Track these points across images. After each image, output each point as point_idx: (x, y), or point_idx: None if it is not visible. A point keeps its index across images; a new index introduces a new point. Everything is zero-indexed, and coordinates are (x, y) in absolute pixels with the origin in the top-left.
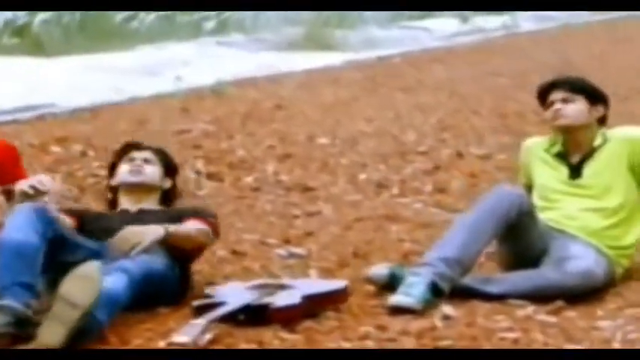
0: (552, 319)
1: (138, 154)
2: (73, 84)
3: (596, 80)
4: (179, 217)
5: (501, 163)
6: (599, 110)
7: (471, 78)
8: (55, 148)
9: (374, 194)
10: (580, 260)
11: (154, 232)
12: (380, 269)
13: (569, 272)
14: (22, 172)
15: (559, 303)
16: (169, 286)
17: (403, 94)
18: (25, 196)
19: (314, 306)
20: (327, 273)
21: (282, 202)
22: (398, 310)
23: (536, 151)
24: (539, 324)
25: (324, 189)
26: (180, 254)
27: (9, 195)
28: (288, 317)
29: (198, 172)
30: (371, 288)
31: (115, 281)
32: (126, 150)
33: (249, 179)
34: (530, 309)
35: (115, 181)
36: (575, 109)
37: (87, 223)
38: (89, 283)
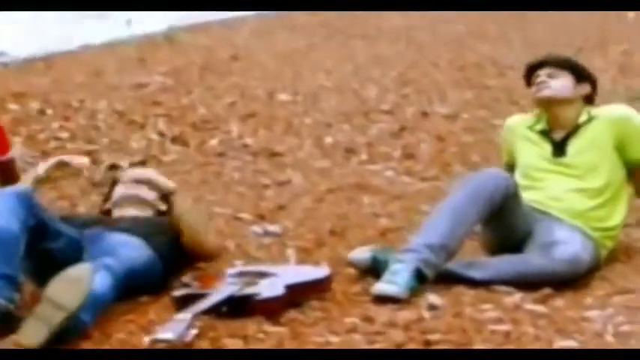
0: (541, 308)
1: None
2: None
3: None
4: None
5: (467, 123)
6: (585, 88)
7: (427, 26)
8: (13, 106)
9: (342, 159)
10: (567, 246)
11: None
12: (361, 253)
13: (556, 259)
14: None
15: (546, 290)
16: (151, 279)
17: (361, 42)
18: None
19: (297, 295)
20: (305, 253)
21: (251, 169)
22: (382, 299)
23: (520, 129)
24: (528, 314)
25: (290, 154)
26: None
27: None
28: (272, 309)
29: (161, 134)
30: (352, 271)
31: (99, 281)
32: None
33: (213, 142)
34: (517, 296)
35: (111, 205)
36: (559, 83)
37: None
38: (78, 286)
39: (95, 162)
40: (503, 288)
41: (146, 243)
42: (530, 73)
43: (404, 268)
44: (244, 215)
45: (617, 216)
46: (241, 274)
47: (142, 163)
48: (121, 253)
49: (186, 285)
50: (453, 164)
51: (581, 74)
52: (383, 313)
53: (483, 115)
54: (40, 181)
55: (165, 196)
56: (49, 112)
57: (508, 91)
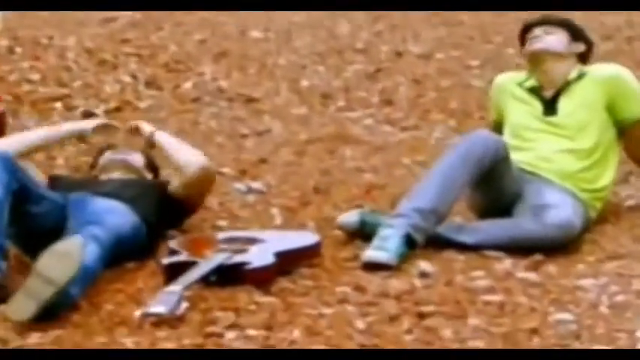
0: (533, 276)
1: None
2: None
3: None
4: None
5: (442, 64)
6: (579, 47)
7: None
8: None
9: (320, 106)
10: (558, 210)
11: None
12: (350, 217)
13: (548, 224)
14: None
15: (537, 256)
16: (138, 245)
17: None
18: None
19: (287, 263)
20: (290, 212)
21: (228, 117)
22: (373, 266)
23: (509, 86)
24: (520, 283)
25: (267, 100)
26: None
27: None
28: (263, 278)
29: (134, 77)
30: (340, 233)
31: (88, 253)
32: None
33: (187, 86)
34: (507, 263)
35: (98, 171)
36: (552, 38)
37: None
38: (69, 260)
39: (68, 108)
40: (494, 253)
41: (131, 207)
42: (526, 31)
43: (394, 234)
44: (226, 170)
45: (607, 177)
46: (230, 241)
47: (117, 110)
48: (107, 221)
49: (174, 252)
50: (432, 111)
51: (576, 33)
52: (374, 282)
53: (458, 55)
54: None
55: (152, 164)
56: (18, 50)
57: (482, 29)
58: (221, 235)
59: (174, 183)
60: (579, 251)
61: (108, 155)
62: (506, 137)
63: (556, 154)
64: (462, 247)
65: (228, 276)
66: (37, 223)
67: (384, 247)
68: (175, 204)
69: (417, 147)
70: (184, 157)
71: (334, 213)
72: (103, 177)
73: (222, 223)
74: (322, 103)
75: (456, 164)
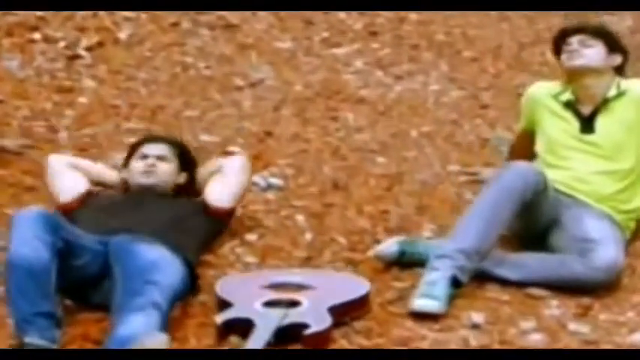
0: (586, 329)
1: (152, 150)
2: None
3: None
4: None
5: None
6: (616, 59)
7: None
8: None
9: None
10: (604, 249)
11: None
12: (389, 247)
13: (596, 267)
14: None
15: (585, 300)
16: (185, 294)
17: None
18: None
19: (341, 316)
20: (316, 221)
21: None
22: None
23: (544, 99)
24: (574, 338)
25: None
26: None
27: None
28: (322, 341)
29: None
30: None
31: (154, 323)
32: (141, 143)
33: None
34: (554, 306)
35: (126, 177)
36: (592, 52)
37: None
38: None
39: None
40: (538, 291)
41: (174, 250)
42: (561, 39)
43: (440, 278)
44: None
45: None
46: (277, 287)
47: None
48: (161, 282)
49: (224, 303)
50: (420, 47)
51: (613, 44)
52: (428, 338)
53: None
54: None
55: (186, 161)
56: None
57: None
58: (266, 279)
59: (216, 199)
60: (623, 288)
61: (138, 174)
62: (540, 150)
63: (592, 176)
64: (504, 281)
65: (286, 336)
66: (80, 274)
67: (432, 295)
68: (215, 222)
69: (417, 108)
70: (234, 179)
71: (361, 222)
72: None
73: (252, 237)
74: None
75: (498, 202)
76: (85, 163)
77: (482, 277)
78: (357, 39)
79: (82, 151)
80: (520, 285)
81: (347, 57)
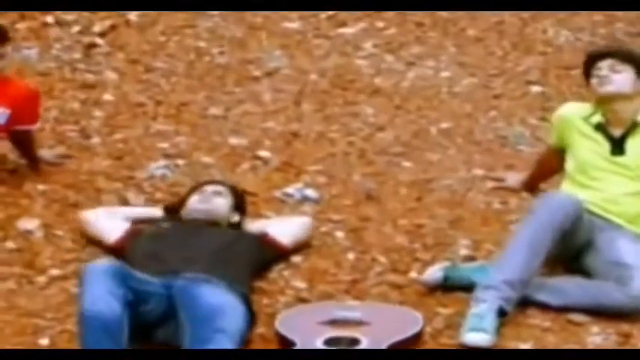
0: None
1: (210, 188)
2: None
3: None
4: (243, 238)
5: None
6: None
7: None
8: None
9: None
10: None
11: None
12: (434, 273)
13: (635, 296)
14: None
15: (624, 326)
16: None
17: None
18: None
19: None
20: (356, 237)
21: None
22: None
23: (575, 120)
24: None
25: None
26: None
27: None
28: None
29: None
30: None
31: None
32: (200, 185)
33: None
34: (595, 332)
35: (184, 213)
36: (622, 78)
37: (139, 239)
38: None
39: None
40: (578, 317)
41: (230, 283)
42: (591, 63)
43: (488, 310)
44: (264, 154)
45: None
46: (334, 324)
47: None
48: (228, 328)
49: (287, 342)
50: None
51: None
52: None
53: None
54: None
55: (239, 204)
56: None
57: None
58: (324, 314)
59: (279, 234)
60: None
61: (195, 202)
62: (570, 170)
63: (623, 197)
64: (544, 306)
65: None
66: (146, 318)
67: (482, 328)
68: (268, 254)
69: (431, 99)
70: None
71: (398, 238)
72: (188, 218)
73: (297, 259)
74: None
75: (539, 233)
76: (122, 210)
77: (523, 302)
78: (362, 17)
79: (117, 159)
80: (560, 310)
81: (355, 39)
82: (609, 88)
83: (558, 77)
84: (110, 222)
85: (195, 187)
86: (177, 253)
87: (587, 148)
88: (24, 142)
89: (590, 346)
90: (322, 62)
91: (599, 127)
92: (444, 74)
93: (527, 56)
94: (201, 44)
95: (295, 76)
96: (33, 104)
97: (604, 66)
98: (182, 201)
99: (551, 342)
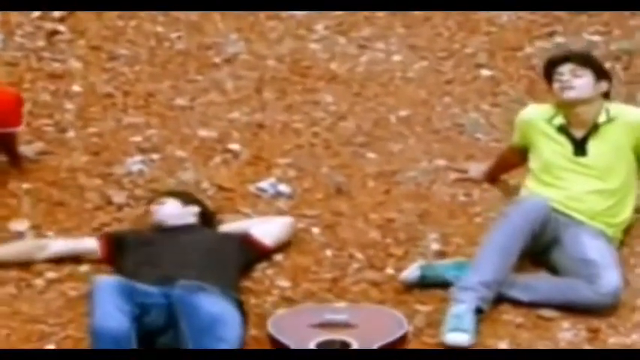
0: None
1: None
2: None
3: None
4: (227, 239)
5: None
6: (603, 86)
7: None
8: None
9: None
10: (608, 274)
11: None
12: (411, 272)
13: (604, 294)
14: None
15: (594, 322)
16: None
17: None
18: None
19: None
20: (332, 235)
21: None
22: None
23: (538, 122)
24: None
25: None
26: None
27: (9, 138)
28: None
29: None
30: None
31: None
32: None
33: None
34: (567, 330)
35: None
36: (583, 83)
37: (125, 247)
38: None
39: None
40: (548, 312)
41: (222, 288)
42: (551, 68)
43: (467, 310)
44: (235, 147)
45: (628, 209)
46: (324, 326)
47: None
48: (227, 337)
49: (278, 343)
50: None
51: (600, 72)
52: None
53: None
54: None
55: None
56: None
57: None
58: (314, 316)
59: (261, 235)
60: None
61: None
62: (534, 168)
63: (586, 195)
64: (515, 302)
65: None
66: (149, 327)
67: (462, 328)
68: (252, 255)
69: (387, 85)
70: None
71: (371, 233)
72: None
73: (279, 257)
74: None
75: (512, 236)
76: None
77: (496, 298)
78: None
79: (94, 155)
80: (530, 305)
81: (307, 20)
82: (572, 94)
83: (505, 60)
84: (76, 241)
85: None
86: (168, 258)
87: (550, 149)
88: (8, 143)
89: (562, 343)
90: (277, 47)
91: (562, 129)
92: (396, 58)
93: (473, 36)
94: (159, 29)
95: (254, 62)
96: (16, 108)
97: (565, 71)
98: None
99: (526, 338)
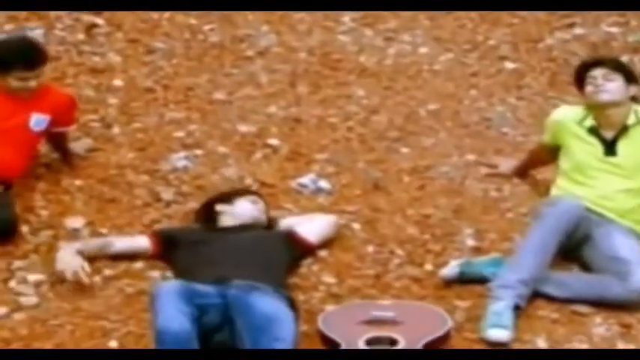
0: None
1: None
2: None
3: None
4: (274, 238)
5: None
6: (633, 89)
7: None
8: None
9: None
10: (639, 271)
11: None
12: (451, 270)
13: (634, 290)
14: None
15: (626, 317)
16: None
17: None
18: None
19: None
20: (372, 230)
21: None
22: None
23: (569, 124)
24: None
25: None
26: None
27: (62, 137)
28: None
29: None
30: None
31: None
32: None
33: None
34: (600, 325)
35: (227, 221)
36: (614, 87)
37: (176, 245)
38: None
39: None
40: (581, 308)
41: (276, 287)
42: (584, 71)
43: (505, 308)
44: (274, 142)
45: None
46: (372, 323)
47: None
48: (286, 338)
49: (330, 342)
50: None
51: (630, 76)
52: None
53: None
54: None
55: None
56: None
57: None
58: (362, 313)
59: (306, 232)
60: None
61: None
62: (566, 168)
63: (616, 194)
64: (549, 297)
65: None
66: (206, 326)
67: (501, 324)
68: (297, 253)
69: (415, 78)
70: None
71: (409, 229)
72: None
73: (323, 253)
74: None
75: (548, 237)
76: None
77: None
78: None
79: (140, 151)
80: (564, 301)
81: (334, 12)
82: (605, 97)
83: (528, 52)
84: (128, 238)
85: (224, 197)
86: (222, 258)
87: (582, 150)
88: (60, 142)
89: (595, 338)
90: (307, 39)
91: (593, 131)
92: (422, 50)
93: (496, 28)
94: (193, 21)
95: (286, 55)
96: (70, 109)
97: (598, 75)
98: (208, 211)
99: (561, 333)
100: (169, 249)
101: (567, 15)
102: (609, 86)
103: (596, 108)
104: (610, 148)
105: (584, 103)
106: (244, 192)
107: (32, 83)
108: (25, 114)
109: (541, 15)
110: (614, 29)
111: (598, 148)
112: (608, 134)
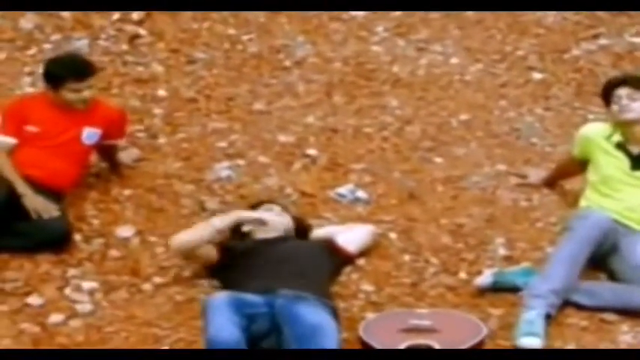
0: None
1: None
2: None
3: None
4: (316, 248)
5: None
6: None
7: None
8: None
9: None
10: None
11: None
12: (485, 279)
13: None
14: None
15: None
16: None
17: None
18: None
19: None
20: (408, 239)
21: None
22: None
23: (597, 139)
24: None
25: None
26: None
27: (112, 149)
28: None
29: None
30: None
31: None
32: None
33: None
34: (626, 330)
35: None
36: (639, 106)
37: (230, 257)
38: None
39: None
40: (608, 316)
41: (320, 296)
42: (610, 90)
43: (537, 316)
44: (313, 152)
45: None
46: (409, 331)
47: None
48: (330, 345)
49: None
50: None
51: None
52: None
53: None
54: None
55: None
56: None
57: None
58: (401, 322)
59: (346, 242)
60: None
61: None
62: (593, 180)
63: None
64: (579, 306)
65: None
66: (255, 334)
67: (534, 332)
68: (338, 262)
69: (447, 89)
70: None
71: (443, 238)
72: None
73: (361, 262)
74: None
75: (578, 248)
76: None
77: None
78: None
79: (185, 160)
80: (593, 310)
81: (367, 22)
82: (630, 116)
83: (554, 62)
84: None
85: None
86: (268, 269)
87: (609, 164)
88: (110, 153)
89: (622, 344)
90: (342, 49)
91: (620, 146)
92: (453, 60)
93: (523, 38)
94: (231, 31)
95: (322, 65)
96: (121, 123)
97: (623, 94)
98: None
99: (590, 341)
100: (224, 260)
101: (592, 26)
102: (633, 106)
103: (622, 125)
104: (636, 162)
105: (611, 120)
106: (267, 203)
107: (85, 93)
108: (78, 128)
109: (567, 25)
110: (637, 39)
111: (625, 162)
112: (635, 149)
